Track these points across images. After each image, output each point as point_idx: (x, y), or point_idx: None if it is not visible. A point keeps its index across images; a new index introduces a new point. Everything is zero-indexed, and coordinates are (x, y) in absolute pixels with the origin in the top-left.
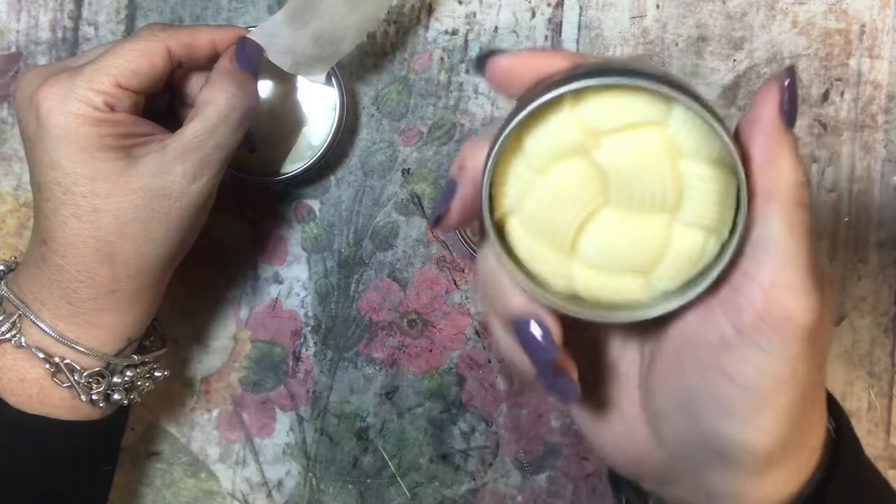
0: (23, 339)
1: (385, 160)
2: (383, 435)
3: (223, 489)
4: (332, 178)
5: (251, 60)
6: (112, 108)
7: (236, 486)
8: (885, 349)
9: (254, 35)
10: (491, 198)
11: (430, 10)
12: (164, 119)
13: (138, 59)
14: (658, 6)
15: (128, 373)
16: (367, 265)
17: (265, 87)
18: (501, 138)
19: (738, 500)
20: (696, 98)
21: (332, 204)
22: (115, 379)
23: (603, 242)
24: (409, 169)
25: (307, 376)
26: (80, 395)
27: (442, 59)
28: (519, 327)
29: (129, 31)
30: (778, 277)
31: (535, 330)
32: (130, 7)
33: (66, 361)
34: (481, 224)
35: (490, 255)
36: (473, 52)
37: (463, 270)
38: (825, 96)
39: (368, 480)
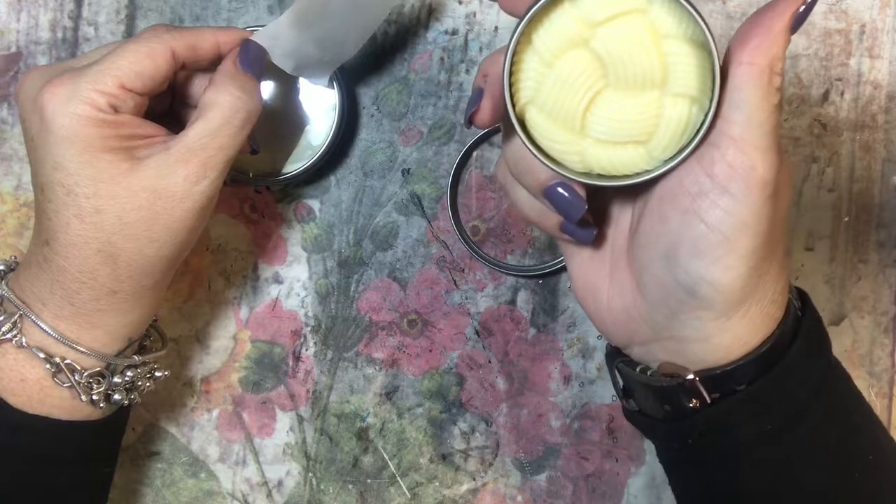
0: (23, 339)
1: (385, 160)
2: (383, 435)
3: (223, 489)
4: (332, 178)
5: (254, 63)
6: (116, 110)
7: (236, 486)
8: (885, 349)
9: (257, 37)
10: (511, 94)
11: (430, 10)
12: (165, 120)
13: (143, 61)
14: None
15: (128, 373)
16: (367, 265)
17: (265, 88)
18: (514, 38)
19: (708, 343)
20: None
21: (332, 204)
22: (116, 379)
23: (607, 119)
24: (409, 169)
25: (307, 376)
26: (80, 396)
27: (442, 59)
28: (550, 192)
29: (129, 31)
30: (747, 135)
31: (565, 192)
32: (130, 7)
33: (66, 362)
34: (506, 118)
35: (516, 142)
36: (473, 52)
37: (463, 270)
38: (825, 96)
39: (368, 480)
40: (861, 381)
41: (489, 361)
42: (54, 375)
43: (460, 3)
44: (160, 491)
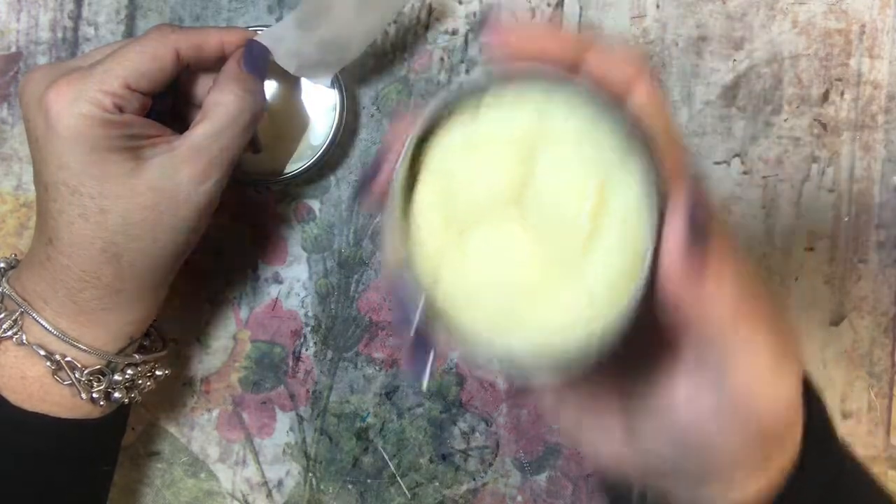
0: (24, 337)
1: None
2: (383, 435)
3: (223, 489)
4: (332, 178)
5: (258, 63)
6: (121, 110)
7: (236, 486)
8: (885, 349)
9: (262, 38)
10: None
11: (430, 10)
12: (167, 120)
13: (148, 61)
14: (658, 6)
15: (128, 371)
16: (367, 265)
17: (266, 88)
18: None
19: (727, 499)
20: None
21: (332, 204)
22: (116, 377)
23: (486, 253)
24: None
25: (307, 376)
26: (80, 394)
27: (442, 59)
28: (393, 284)
29: (130, 31)
30: (745, 377)
31: (405, 287)
32: (130, 7)
33: (67, 359)
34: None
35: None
36: (473, 51)
37: None
38: (825, 96)
39: (368, 480)
40: (861, 381)
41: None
42: (55, 373)
43: (460, 3)
44: (160, 491)
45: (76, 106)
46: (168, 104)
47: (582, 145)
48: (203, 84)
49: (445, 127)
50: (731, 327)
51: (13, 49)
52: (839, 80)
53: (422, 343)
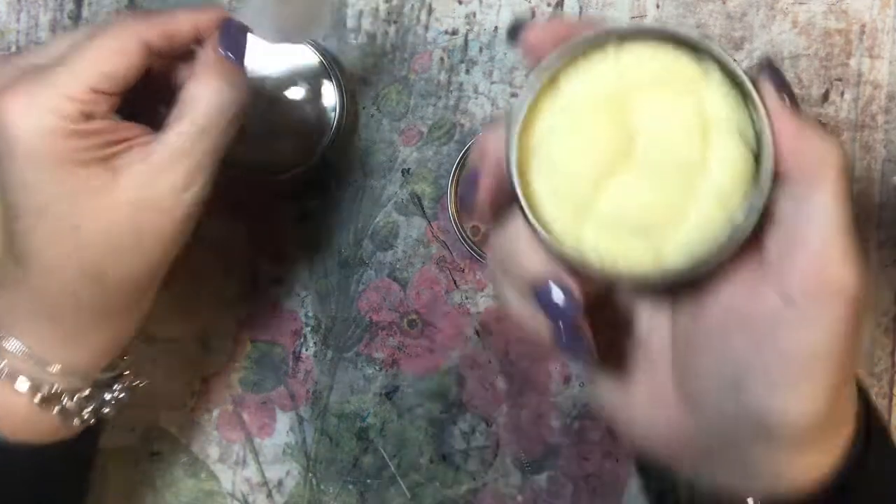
0: (3, 367)
1: (385, 160)
2: (383, 435)
3: (223, 489)
4: (332, 178)
5: (237, 44)
6: (88, 117)
7: (236, 487)
8: (885, 349)
9: (241, 15)
10: (518, 149)
11: (430, 10)
12: (140, 112)
13: (112, 58)
14: (658, 6)
15: (116, 387)
16: (367, 265)
17: (265, 88)
18: (537, 78)
19: (779, 478)
20: (735, 68)
21: (332, 204)
22: (106, 396)
23: (617, 202)
24: (409, 169)
25: (307, 376)
26: (70, 419)
27: (442, 59)
28: (538, 289)
29: None
30: (828, 245)
31: (555, 291)
32: (130, 7)
33: (55, 388)
34: (510, 184)
35: (507, 228)
36: (473, 51)
37: (463, 270)
38: (825, 96)
39: (368, 480)
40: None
41: (489, 361)
42: (42, 402)
43: (460, 3)
44: (160, 491)
45: (35, 118)
46: (140, 93)
47: (666, 82)
48: (179, 71)
49: (535, 113)
50: (822, 180)
51: (13, 49)
52: (839, 80)
53: (575, 336)
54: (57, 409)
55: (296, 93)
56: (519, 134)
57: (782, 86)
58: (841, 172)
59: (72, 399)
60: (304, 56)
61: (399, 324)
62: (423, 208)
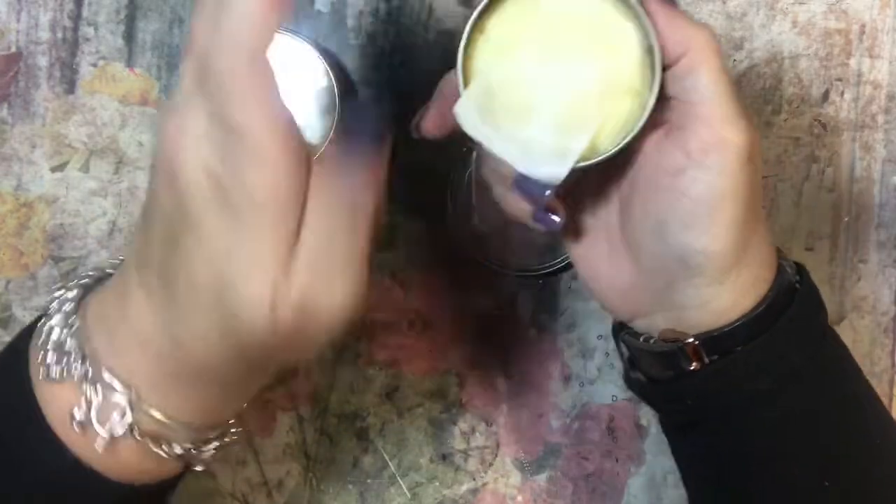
0: (136, 431)
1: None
2: (383, 435)
3: (223, 489)
4: None
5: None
6: None
7: (236, 487)
8: (885, 349)
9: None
10: (465, 83)
11: (430, 10)
12: None
13: None
14: None
15: (231, 433)
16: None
17: None
18: (467, 27)
19: (705, 309)
20: None
21: None
22: (216, 442)
23: (552, 115)
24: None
25: (307, 376)
26: (188, 464)
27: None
28: (516, 180)
29: (129, 31)
30: (713, 111)
31: (531, 181)
32: (130, 7)
33: (187, 447)
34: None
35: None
36: None
37: (463, 270)
38: (825, 96)
39: (368, 480)
40: None
41: (489, 361)
42: (165, 454)
43: (460, 3)
44: None
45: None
46: None
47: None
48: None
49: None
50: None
51: (13, 49)
52: (839, 79)
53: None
54: (167, 455)
55: (295, 94)
56: (462, 71)
57: None
58: (713, 51)
59: (197, 451)
60: (304, 56)
61: (399, 324)
62: (423, 208)
